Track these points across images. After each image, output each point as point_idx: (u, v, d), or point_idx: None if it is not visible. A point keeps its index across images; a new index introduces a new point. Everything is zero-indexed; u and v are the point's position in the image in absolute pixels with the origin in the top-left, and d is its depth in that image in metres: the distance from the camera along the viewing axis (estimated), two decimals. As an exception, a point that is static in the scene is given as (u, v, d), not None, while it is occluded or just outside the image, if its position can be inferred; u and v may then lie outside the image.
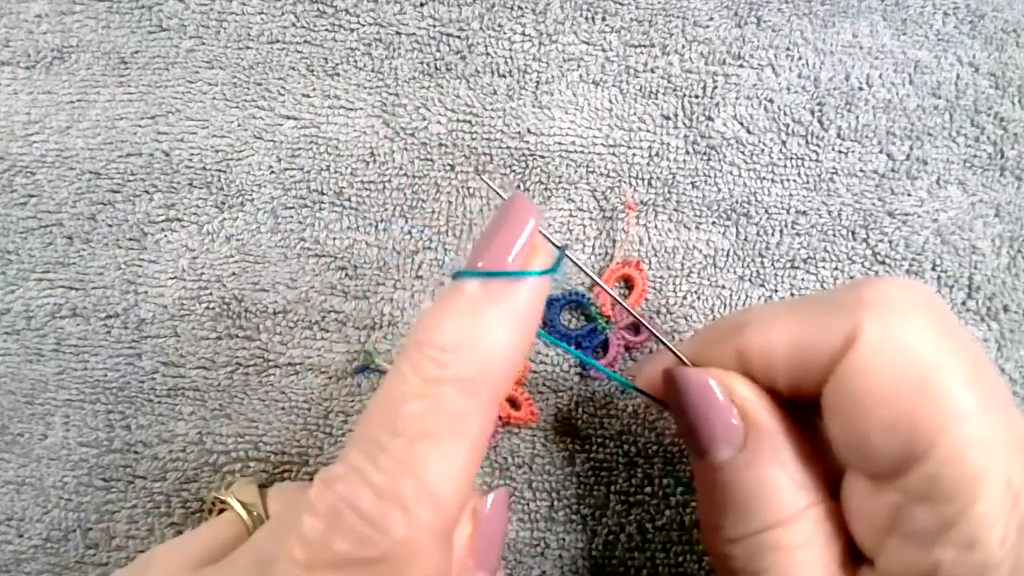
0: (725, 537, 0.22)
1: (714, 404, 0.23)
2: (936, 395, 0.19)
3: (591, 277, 0.27)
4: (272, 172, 0.35)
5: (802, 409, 0.23)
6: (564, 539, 0.32)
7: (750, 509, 0.22)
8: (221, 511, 0.29)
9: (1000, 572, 0.18)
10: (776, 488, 0.22)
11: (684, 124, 0.35)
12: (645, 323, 0.28)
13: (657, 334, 0.26)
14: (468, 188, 0.35)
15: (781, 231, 0.34)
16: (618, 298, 0.28)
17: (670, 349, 0.25)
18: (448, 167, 0.35)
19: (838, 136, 0.35)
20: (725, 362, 0.24)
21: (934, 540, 0.19)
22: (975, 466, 0.19)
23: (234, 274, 0.34)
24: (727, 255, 0.34)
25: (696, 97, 0.35)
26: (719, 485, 0.22)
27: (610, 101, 0.35)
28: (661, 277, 0.34)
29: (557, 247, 0.23)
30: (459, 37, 0.36)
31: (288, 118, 0.36)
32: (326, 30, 0.36)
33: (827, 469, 0.23)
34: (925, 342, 0.20)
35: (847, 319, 0.21)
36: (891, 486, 0.20)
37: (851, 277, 0.34)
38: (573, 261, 0.27)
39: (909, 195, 0.35)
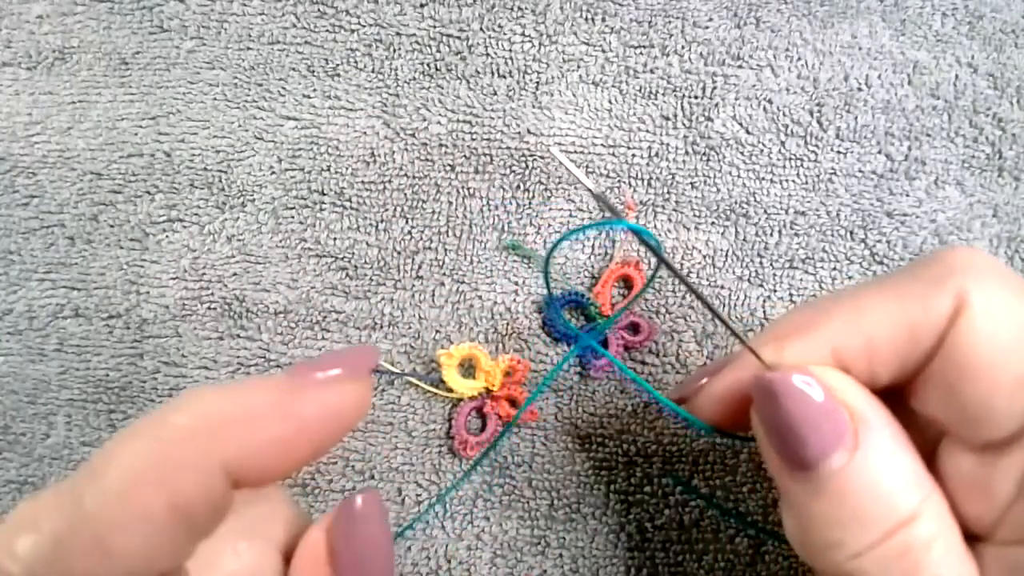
0: (851, 552, 0.20)
1: (822, 407, 0.20)
2: None
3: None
4: (273, 172, 0.35)
5: (887, 397, 0.22)
6: (564, 538, 0.32)
7: (870, 515, 0.20)
8: None
9: None
10: (895, 485, 0.20)
11: (683, 125, 0.35)
12: (723, 318, 0.23)
13: (738, 333, 0.23)
14: (468, 188, 0.35)
15: (780, 231, 0.35)
16: (680, 275, 0.23)
17: (753, 353, 0.22)
18: (448, 167, 0.35)
19: (837, 137, 0.35)
20: (821, 358, 0.22)
21: None
22: None
23: (235, 274, 0.34)
24: (726, 255, 0.34)
25: (695, 98, 0.36)
26: (833, 496, 0.20)
27: (610, 102, 0.36)
28: (660, 277, 0.34)
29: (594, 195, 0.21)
30: (459, 38, 0.36)
31: (289, 119, 0.36)
32: (326, 31, 0.36)
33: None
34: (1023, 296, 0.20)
35: (948, 290, 0.20)
36: (1014, 450, 0.19)
37: (850, 278, 0.34)
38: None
39: (907, 195, 0.35)
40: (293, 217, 0.35)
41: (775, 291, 0.34)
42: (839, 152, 0.35)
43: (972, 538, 0.21)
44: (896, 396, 0.22)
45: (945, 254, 0.21)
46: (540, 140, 0.35)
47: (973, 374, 0.19)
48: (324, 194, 0.35)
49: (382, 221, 0.35)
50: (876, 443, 0.20)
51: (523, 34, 0.36)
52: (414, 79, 0.36)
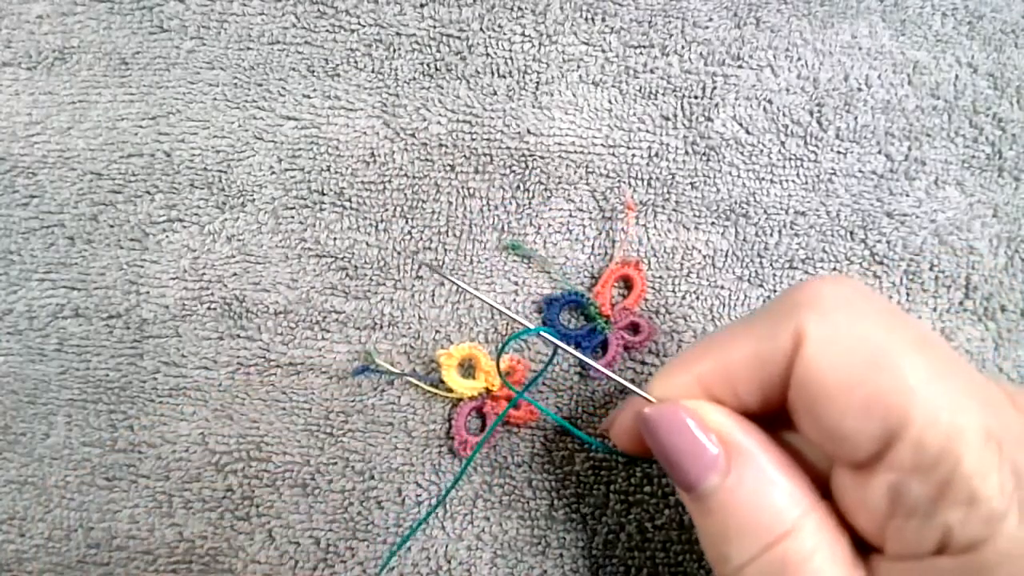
0: (735, 565, 0.22)
1: (690, 436, 0.23)
2: (892, 369, 0.20)
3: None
4: (273, 173, 0.35)
5: (774, 422, 0.24)
6: (564, 538, 0.32)
7: (751, 529, 0.22)
8: None
9: (1010, 520, 0.18)
10: (770, 502, 0.22)
11: (683, 125, 0.35)
12: (602, 369, 0.28)
13: (618, 379, 0.26)
14: (468, 188, 0.35)
15: (780, 231, 0.34)
16: (587, 355, 0.28)
17: (635, 391, 0.25)
18: (448, 167, 0.35)
19: (837, 137, 0.35)
20: (691, 392, 0.24)
21: (936, 506, 0.19)
22: (951, 424, 0.19)
23: (235, 274, 0.34)
24: (726, 255, 0.34)
25: (695, 98, 0.36)
26: (715, 514, 0.23)
27: (610, 102, 0.36)
28: (660, 277, 0.34)
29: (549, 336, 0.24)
30: (459, 38, 0.36)
31: (289, 119, 0.36)
32: (327, 31, 0.36)
33: (812, 474, 0.23)
34: (866, 326, 0.21)
35: (790, 322, 0.22)
36: (879, 469, 0.20)
37: (850, 277, 0.34)
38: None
39: (907, 195, 0.35)
40: (293, 217, 0.35)
41: (775, 291, 0.34)
42: (839, 152, 0.35)
43: (877, 551, 0.22)
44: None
45: (793, 290, 0.23)
46: (540, 140, 0.35)
47: (820, 402, 0.21)
48: (324, 194, 0.35)
49: (382, 221, 0.35)
50: (748, 465, 0.22)
51: (523, 34, 0.36)
52: (414, 79, 0.36)
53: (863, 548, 0.22)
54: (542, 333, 0.28)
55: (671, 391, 0.24)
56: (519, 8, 0.36)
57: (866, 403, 0.20)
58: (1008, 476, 0.19)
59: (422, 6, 0.36)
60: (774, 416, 0.23)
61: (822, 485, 0.23)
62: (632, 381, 0.33)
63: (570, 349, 0.27)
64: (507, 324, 0.34)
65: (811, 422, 0.22)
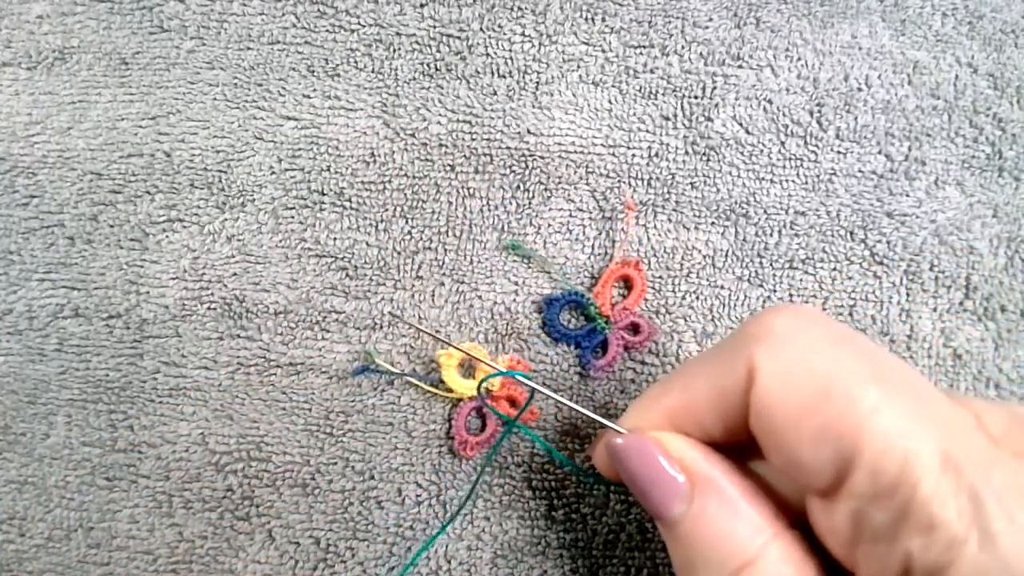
0: None
1: (656, 465, 0.24)
2: (842, 397, 0.20)
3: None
4: (273, 173, 0.35)
5: (747, 451, 0.24)
6: (564, 538, 0.32)
7: (715, 557, 0.22)
8: None
9: (970, 545, 0.18)
10: (733, 530, 0.22)
11: (683, 125, 0.35)
12: (576, 407, 0.28)
13: (588, 412, 0.27)
14: (468, 188, 0.35)
15: (780, 231, 0.35)
16: (556, 396, 0.29)
17: (605, 424, 0.26)
18: (448, 167, 0.35)
19: (837, 137, 0.35)
20: (658, 425, 0.25)
21: (896, 534, 0.19)
22: (904, 450, 0.19)
23: (235, 274, 0.34)
24: (726, 255, 0.34)
25: (695, 98, 0.36)
26: (682, 541, 0.23)
27: (610, 102, 0.36)
28: (660, 277, 0.34)
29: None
30: (459, 38, 0.36)
31: (289, 119, 0.36)
32: (327, 31, 0.36)
33: (785, 502, 0.23)
34: (815, 356, 0.21)
35: (743, 357, 0.22)
36: (841, 496, 0.20)
37: (849, 278, 0.34)
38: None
39: (907, 196, 0.35)
40: (293, 217, 0.35)
41: (775, 291, 0.34)
42: (839, 152, 0.35)
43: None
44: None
45: (747, 323, 0.23)
46: (540, 140, 0.35)
47: (776, 433, 0.21)
48: (324, 194, 0.35)
49: (382, 221, 0.35)
50: (710, 495, 0.23)
51: (523, 34, 0.36)
52: (414, 79, 0.36)
53: (842, 574, 0.22)
54: (517, 378, 0.29)
55: (641, 423, 0.25)
56: (519, 8, 0.36)
57: (819, 432, 0.20)
58: (967, 501, 0.18)
59: (422, 6, 0.36)
60: (747, 445, 0.23)
61: (797, 512, 0.23)
62: (632, 382, 0.33)
63: (543, 389, 0.28)
64: (507, 324, 0.34)
65: (773, 453, 0.22)
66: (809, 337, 0.22)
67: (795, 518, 0.23)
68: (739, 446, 0.24)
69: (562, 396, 0.30)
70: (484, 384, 0.32)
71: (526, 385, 0.29)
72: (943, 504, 0.19)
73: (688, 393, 0.24)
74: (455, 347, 0.32)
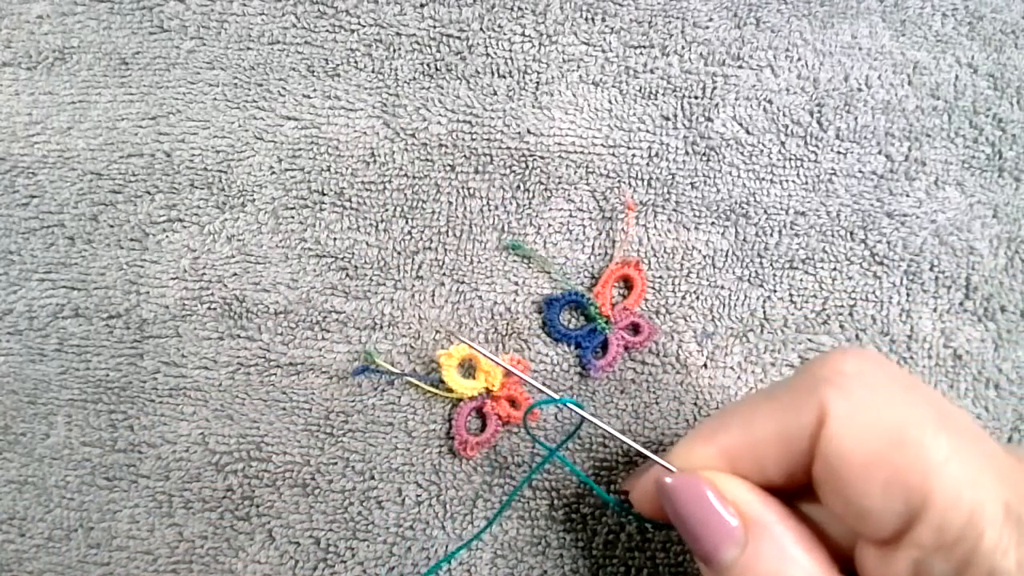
0: None
1: (709, 507, 0.23)
2: (913, 447, 0.20)
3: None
4: (273, 173, 0.35)
5: (795, 495, 0.24)
6: (564, 538, 0.32)
7: None
8: None
9: None
10: (790, 575, 0.22)
11: (683, 125, 0.35)
12: (624, 438, 0.28)
13: (638, 447, 0.26)
14: (468, 188, 0.35)
15: (780, 232, 0.35)
16: (607, 428, 0.29)
17: (656, 461, 0.25)
18: (448, 167, 0.35)
19: (837, 137, 0.35)
20: (713, 464, 0.24)
21: None
22: (971, 502, 0.19)
23: (235, 274, 0.34)
24: (726, 255, 0.34)
25: (695, 98, 0.36)
26: None
27: (610, 102, 0.36)
28: (660, 277, 0.34)
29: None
30: (459, 38, 0.36)
31: (289, 119, 0.36)
32: (327, 31, 0.36)
33: (833, 547, 0.23)
34: (887, 403, 0.21)
35: (813, 399, 0.22)
36: (902, 545, 0.20)
37: (850, 278, 0.34)
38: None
39: (907, 196, 0.35)
40: (293, 217, 0.35)
41: (775, 291, 0.34)
42: (839, 152, 0.35)
43: None
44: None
45: (814, 364, 0.23)
46: (540, 140, 0.35)
47: (844, 479, 0.21)
48: (324, 194, 0.35)
49: (382, 221, 0.35)
50: (764, 541, 0.22)
51: (523, 34, 0.36)
52: (414, 79, 0.36)
53: None
54: (569, 405, 0.28)
55: (693, 461, 0.24)
56: (519, 8, 0.36)
57: (889, 482, 0.20)
58: None
59: (422, 6, 0.36)
60: (795, 489, 0.23)
61: (844, 558, 0.23)
62: (633, 382, 0.33)
63: (593, 419, 0.28)
64: (507, 324, 0.34)
65: (835, 498, 0.21)
66: (878, 381, 0.22)
67: (842, 563, 0.23)
68: (788, 490, 0.23)
69: (611, 427, 0.30)
70: (485, 385, 0.32)
71: (577, 413, 0.28)
72: (1005, 555, 0.19)
73: (749, 432, 0.23)
74: (506, 367, 0.31)
